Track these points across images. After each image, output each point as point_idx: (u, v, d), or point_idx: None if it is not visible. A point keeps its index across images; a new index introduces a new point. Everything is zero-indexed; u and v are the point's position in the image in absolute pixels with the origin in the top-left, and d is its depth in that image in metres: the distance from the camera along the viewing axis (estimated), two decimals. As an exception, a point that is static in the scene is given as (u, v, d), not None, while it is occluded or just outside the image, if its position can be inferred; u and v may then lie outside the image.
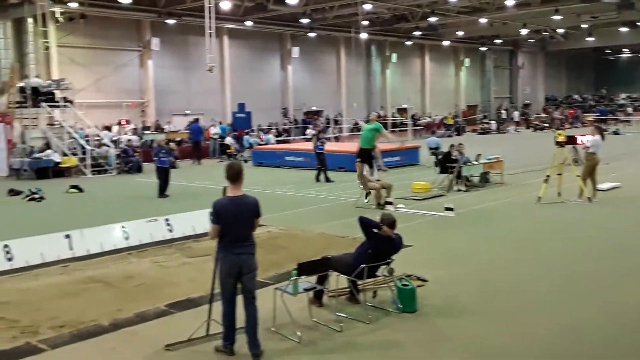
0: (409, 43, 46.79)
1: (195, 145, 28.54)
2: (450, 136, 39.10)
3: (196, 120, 30.73)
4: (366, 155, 14.00)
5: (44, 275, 8.90)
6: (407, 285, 7.28)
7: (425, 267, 8.84)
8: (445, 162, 17.27)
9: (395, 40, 46.15)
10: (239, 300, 6.07)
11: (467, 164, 17.14)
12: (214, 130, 30.88)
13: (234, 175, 6.00)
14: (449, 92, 53.70)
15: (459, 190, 16.57)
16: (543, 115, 53.11)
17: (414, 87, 50.45)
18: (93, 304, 7.52)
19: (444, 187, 16.85)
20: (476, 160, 17.74)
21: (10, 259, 9.34)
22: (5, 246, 9.43)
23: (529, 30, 44.45)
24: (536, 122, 48.56)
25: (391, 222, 7.38)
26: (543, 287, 8.16)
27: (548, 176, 14.44)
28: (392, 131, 38.40)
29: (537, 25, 43.26)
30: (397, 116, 46.02)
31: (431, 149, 22.44)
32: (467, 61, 53.37)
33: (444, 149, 20.27)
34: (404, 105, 46.70)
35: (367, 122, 17.19)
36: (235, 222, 5.88)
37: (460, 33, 45.17)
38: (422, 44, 49.50)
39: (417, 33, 42.48)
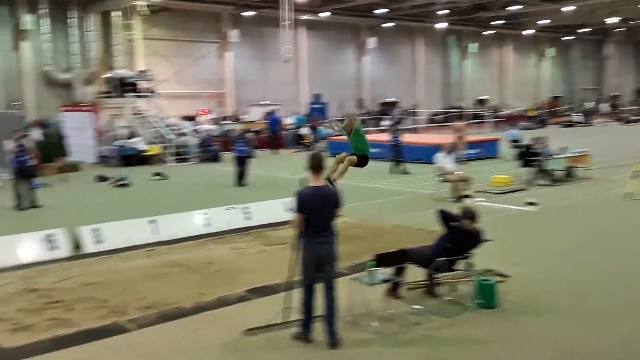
0: (488, 33, 45.56)
1: (273, 135, 28.96)
2: (532, 129, 37.82)
3: (274, 111, 31.16)
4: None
5: (131, 258, 9.30)
6: (488, 280, 7.11)
7: (505, 263, 8.60)
8: (527, 156, 16.72)
9: (474, 29, 45.04)
10: (318, 289, 6.12)
11: (550, 158, 16.53)
12: (290, 121, 31.20)
13: (317, 166, 6.07)
14: (530, 84, 51.99)
15: (542, 184, 16.02)
16: (633, 107, 50.42)
17: (493, 78, 49.15)
18: (176, 287, 7.79)
19: (525, 181, 16.33)
20: (560, 154, 17.07)
21: (99, 242, 9.82)
22: (95, 229, 9.91)
23: (617, 19, 42.25)
24: (625, 115, 46.18)
25: (472, 216, 7.23)
26: (632, 286, 7.78)
27: (637, 171, 13.72)
28: (469, 123, 37.59)
29: (627, 13, 41.05)
30: (476, 108, 44.95)
31: (512, 141, 21.79)
32: (550, 51, 51.41)
33: (526, 141, 19.61)
34: (483, 97, 45.54)
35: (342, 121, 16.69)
36: (318, 212, 5.96)
37: (543, 22, 43.46)
38: (502, 34, 48.10)
39: (498, 22, 41.28)
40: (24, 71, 28.96)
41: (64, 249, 9.49)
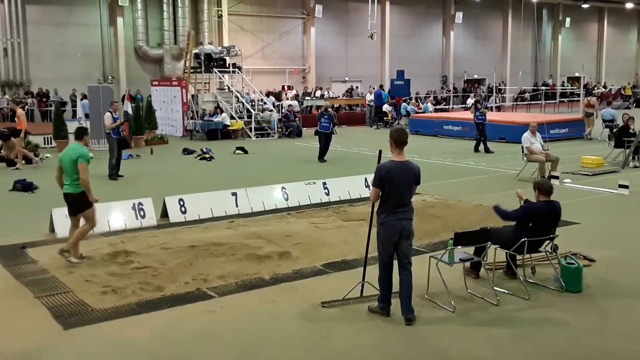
0: (585, 6, 43.24)
1: (377, 110, 29.20)
2: (628, 108, 35.76)
3: (381, 87, 31.41)
4: None
5: (213, 229, 9.58)
6: (573, 263, 6.83)
7: (592, 247, 8.24)
8: (621, 136, 15.85)
9: (569, 3, 42.85)
10: (395, 265, 6.09)
11: (646, 139, 15.57)
12: (370, 97, 31.01)
13: (403, 141, 6.01)
14: (628, 60, 49.07)
15: (636, 166, 15.16)
16: None
17: (588, 54, 46.72)
18: (255, 258, 7.96)
19: (618, 163, 15.50)
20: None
21: (184, 212, 10.18)
22: (181, 200, 10.27)
23: None
24: None
25: (546, 189, 6.94)
26: None
27: None
28: (561, 101, 36.02)
29: None
30: (568, 85, 42.91)
31: (605, 121, 20.72)
32: (652, 25, 48.21)
33: (620, 121, 18.59)
34: (576, 74, 43.44)
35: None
36: (400, 186, 5.89)
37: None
38: (600, 7, 45.55)
39: (596, -6, 39.02)
40: (119, 46, 30.26)
41: (151, 217, 9.90)
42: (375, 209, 6.13)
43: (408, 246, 6.03)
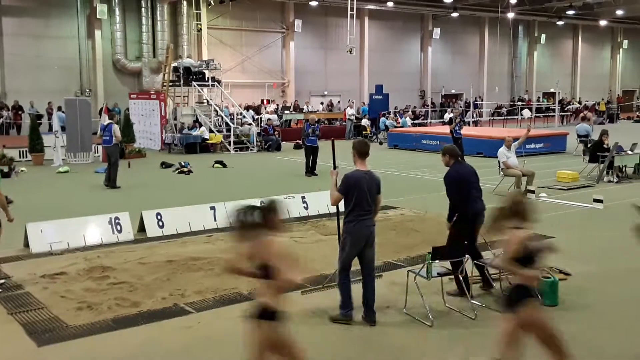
0: (560, 23, 44.06)
1: (373, 121, 29.86)
2: (602, 123, 36.41)
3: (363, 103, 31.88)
4: None
5: (191, 243, 9.52)
6: (549, 277, 6.90)
7: (568, 261, 8.32)
8: (596, 151, 16.12)
9: (544, 20, 43.70)
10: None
11: (620, 154, 15.86)
12: (350, 112, 31.18)
13: (365, 152, 6.39)
14: (602, 77, 50.05)
15: (610, 181, 15.42)
16: None
17: (563, 70, 47.57)
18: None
19: (592, 177, 15.76)
20: (631, 150, 16.37)
21: (162, 226, 10.10)
22: (158, 214, 10.19)
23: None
24: None
25: (457, 154, 7.36)
26: None
27: None
28: (537, 117, 36.58)
29: None
30: (543, 101, 43.61)
31: (580, 136, 21.08)
32: (625, 43, 49.29)
33: (595, 136, 18.92)
34: (552, 90, 44.17)
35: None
36: (366, 194, 6.15)
37: (619, 12, 41.59)
38: (575, 24, 46.50)
39: (570, 12, 39.82)
40: (96, 59, 30.07)
41: (128, 232, 9.80)
42: (343, 217, 6.33)
43: (372, 251, 6.32)
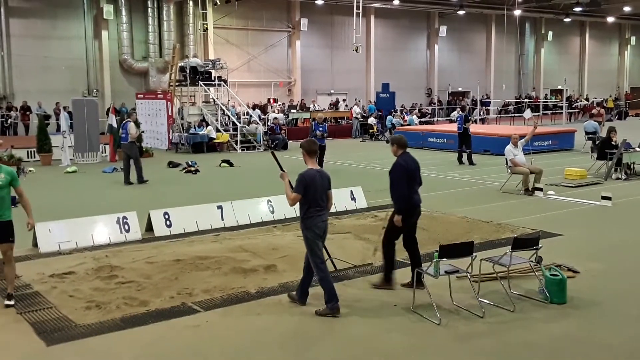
0: (567, 20, 43.85)
1: (385, 117, 29.74)
2: (610, 120, 36.22)
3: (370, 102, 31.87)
4: None
5: (198, 243, 9.54)
6: (557, 275, 6.88)
7: (576, 258, 8.31)
8: (604, 148, 16.04)
9: (551, 17, 43.49)
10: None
11: (628, 151, 15.78)
12: (357, 110, 31.15)
13: (314, 150, 6.77)
14: (610, 73, 49.79)
15: (618, 178, 15.34)
16: None
17: (570, 67, 47.35)
18: (241, 272, 7.92)
19: (600, 175, 15.69)
20: (639, 147, 16.28)
21: (169, 226, 10.12)
22: (166, 213, 10.22)
23: None
24: None
25: (404, 143, 7.39)
26: None
27: None
28: (544, 114, 36.49)
29: None
30: (551, 98, 43.43)
31: (588, 133, 20.98)
32: (633, 39, 48.98)
33: (603, 133, 18.84)
34: (559, 87, 44.02)
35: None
36: (320, 191, 6.55)
37: (627, 8, 41.31)
38: (582, 21, 46.26)
39: (577, 9, 39.61)
40: (103, 59, 30.17)
41: (136, 231, 9.84)
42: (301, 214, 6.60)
43: (323, 243, 6.74)
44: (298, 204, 6.54)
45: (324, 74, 36.83)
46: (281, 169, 6.95)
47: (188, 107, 25.71)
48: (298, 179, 6.51)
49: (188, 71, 25.43)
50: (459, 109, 32.04)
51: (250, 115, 27.07)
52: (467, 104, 36.62)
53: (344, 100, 35.92)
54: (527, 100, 40.23)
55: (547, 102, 41.45)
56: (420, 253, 8.65)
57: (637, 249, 9.17)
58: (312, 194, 6.47)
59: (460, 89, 41.91)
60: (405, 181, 7.15)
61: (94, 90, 30.20)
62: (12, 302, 6.79)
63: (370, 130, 29.00)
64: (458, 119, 19.28)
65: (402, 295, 6.92)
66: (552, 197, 13.14)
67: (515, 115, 38.15)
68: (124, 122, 16.29)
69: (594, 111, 24.96)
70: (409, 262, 7.51)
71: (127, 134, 15.61)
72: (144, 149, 22.17)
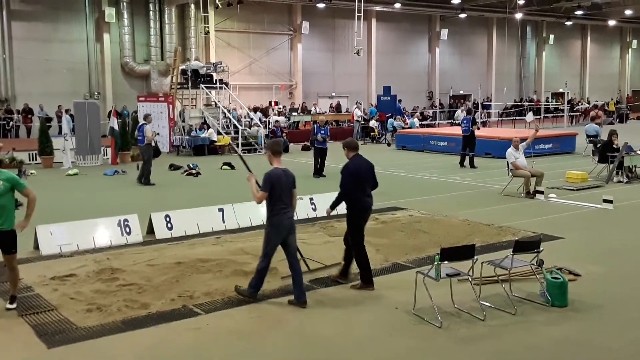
0: (568, 23, 43.89)
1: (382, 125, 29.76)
2: (611, 123, 36.22)
3: (399, 101, 31.94)
4: None
5: (199, 245, 9.54)
6: (558, 278, 6.87)
7: (577, 261, 8.31)
8: (605, 151, 16.04)
9: (553, 20, 43.52)
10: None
11: (630, 154, 15.77)
12: (358, 113, 31.17)
13: (278, 151, 7.09)
14: (611, 77, 49.79)
15: (620, 181, 15.34)
16: None
17: (572, 70, 47.36)
18: (242, 274, 7.92)
19: (602, 178, 15.68)
20: (640, 150, 16.28)
21: (170, 228, 10.13)
22: (167, 216, 10.23)
23: None
24: None
25: (355, 146, 7.67)
26: None
27: None
28: (546, 117, 36.49)
29: None
30: (552, 101, 43.42)
31: (589, 136, 20.98)
32: (634, 43, 48.99)
33: (604, 137, 18.83)
34: (560, 90, 44.01)
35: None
36: (285, 189, 6.83)
37: (628, 12, 41.35)
38: (583, 24, 46.29)
39: (579, 12, 39.64)
40: (105, 62, 30.22)
41: (137, 234, 9.84)
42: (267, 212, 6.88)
43: (294, 238, 7.00)
44: (266, 202, 6.80)
45: (326, 77, 36.86)
46: (248, 171, 7.28)
47: (189, 110, 25.73)
48: (264, 178, 6.79)
49: (189, 74, 25.46)
50: (463, 109, 32.08)
51: (252, 118, 27.09)
52: (469, 106, 36.68)
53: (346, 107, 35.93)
54: (526, 103, 40.19)
55: (549, 105, 41.43)
56: (422, 256, 8.68)
57: (638, 252, 9.16)
58: (278, 193, 6.76)
59: (461, 92, 41.92)
60: (352, 182, 7.39)
61: (96, 93, 30.24)
62: (14, 306, 6.78)
63: (372, 133, 29.00)
64: (465, 121, 19.27)
65: (403, 298, 6.91)
66: (553, 200, 13.13)
67: (517, 118, 38.15)
68: (140, 124, 16.81)
69: (592, 113, 25.06)
70: (411, 266, 7.49)
71: (144, 136, 16.00)
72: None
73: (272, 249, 6.90)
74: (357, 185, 7.39)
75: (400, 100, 32.70)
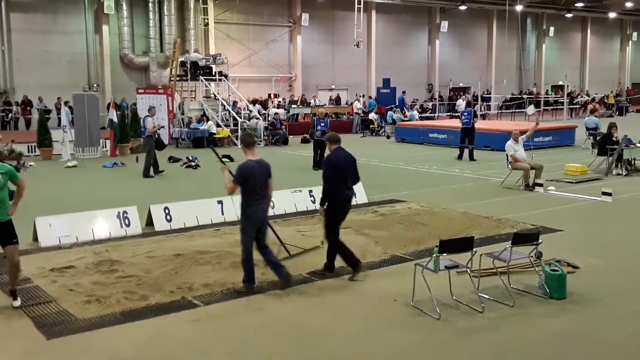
0: (569, 16, 43.78)
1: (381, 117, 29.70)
2: (611, 116, 36.18)
3: (403, 92, 31.91)
4: None
5: (198, 237, 9.54)
6: (557, 270, 6.88)
7: (576, 254, 8.31)
8: (605, 144, 16.03)
9: (553, 12, 43.42)
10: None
11: (629, 147, 15.76)
12: (358, 105, 31.12)
13: (251, 142, 7.22)
14: (611, 69, 49.70)
15: (619, 174, 15.33)
16: None
17: (572, 63, 47.26)
18: (241, 266, 7.92)
19: (601, 170, 15.68)
20: (640, 143, 16.28)
21: (169, 220, 10.13)
22: (166, 208, 10.23)
23: None
24: None
25: (337, 139, 7.74)
26: None
27: None
28: (545, 110, 36.44)
29: None
30: (551, 94, 43.36)
31: (589, 129, 20.96)
32: (634, 35, 48.87)
33: (603, 129, 18.81)
34: (560, 83, 43.93)
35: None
36: (259, 180, 6.91)
37: (628, 4, 41.20)
38: (583, 17, 46.17)
39: (579, 5, 39.51)
40: (104, 54, 30.14)
41: (136, 226, 9.84)
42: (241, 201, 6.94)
43: (266, 227, 7.14)
44: (240, 193, 6.88)
45: (325, 70, 36.78)
46: (222, 163, 7.51)
47: (189, 102, 25.68)
48: (237, 170, 6.88)
49: (189, 66, 25.38)
50: (464, 99, 32.05)
51: (251, 111, 27.04)
52: (466, 99, 36.64)
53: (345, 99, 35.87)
54: (526, 96, 40.14)
55: (548, 97, 41.38)
56: (421, 248, 8.69)
57: (637, 245, 9.17)
58: (252, 184, 6.84)
59: (461, 85, 41.85)
60: (334, 175, 7.46)
61: (95, 85, 30.18)
62: (19, 302, 6.63)
63: (371, 126, 28.97)
64: (465, 114, 19.24)
65: (401, 290, 6.92)
66: (552, 192, 13.13)
67: (516, 111, 38.13)
68: (144, 117, 17.07)
69: (590, 106, 25.14)
70: (410, 258, 7.49)
71: (146, 128, 16.18)
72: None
73: (249, 240, 6.95)
74: (338, 177, 7.47)
75: (404, 92, 32.63)
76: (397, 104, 30.82)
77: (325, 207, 7.54)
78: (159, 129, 16.79)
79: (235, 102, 27.91)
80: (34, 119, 26.34)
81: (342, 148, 7.69)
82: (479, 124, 22.87)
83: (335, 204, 7.52)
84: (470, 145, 18.72)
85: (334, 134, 7.99)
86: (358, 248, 8.75)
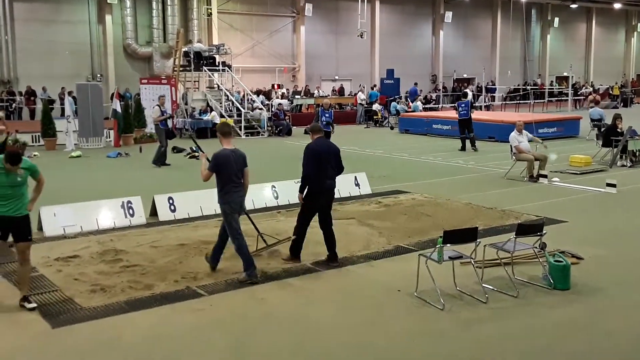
0: (573, 6, 43.52)
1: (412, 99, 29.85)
2: (615, 107, 36.03)
3: (415, 84, 32.18)
4: None
5: (202, 227, 9.56)
6: (561, 261, 6.88)
7: (580, 245, 8.31)
8: (609, 135, 15.97)
9: (558, 3, 43.19)
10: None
11: (634, 138, 15.71)
12: (362, 96, 31.05)
13: (227, 132, 7.33)
14: (616, 60, 49.44)
15: (623, 165, 15.30)
16: None
17: (576, 54, 47.02)
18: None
19: (605, 162, 15.63)
20: (645, 134, 16.21)
21: (173, 210, 10.14)
22: (170, 198, 10.24)
23: None
24: None
25: (319, 129, 8.11)
26: None
27: None
28: (550, 101, 36.30)
29: None
30: (556, 85, 43.19)
31: (593, 120, 20.89)
32: (639, 26, 48.59)
33: (608, 121, 18.75)
34: (565, 74, 43.73)
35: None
36: (235, 169, 7.04)
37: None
38: (588, 7, 45.89)
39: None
40: (107, 44, 30.10)
41: (140, 216, 9.86)
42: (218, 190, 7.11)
43: (238, 217, 7.16)
44: (216, 181, 7.04)
45: (329, 60, 36.67)
46: (200, 151, 7.88)
47: (192, 93, 25.65)
48: (212, 158, 7.06)
49: (192, 56, 25.34)
50: (470, 89, 31.98)
51: (254, 101, 27.00)
52: (472, 90, 36.51)
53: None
54: (529, 87, 39.98)
55: (553, 89, 41.22)
56: (425, 239, 8.68)
57: (641, 236, 9.16)
58: (227, 173, 6.99)
59: (465, 76, 41.70)
60: (312, 163, 7.56)
61: (98, 75, 30.17)
62: (34, 305, 6.33)
63: (375, 117, 28.92)
64: (462, 105, 19.20)
65: (405, 281, 6.93)
66: (556, 184, 13.10)
67: (521, 102, 38.01)
68: (154, 105, 17.16)
69: (590, 97, 25.11)
70: (414, 248, 7.48)
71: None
72: (149, 134, 22.18)
73: (235, 226, 7.03)
74: (318, 165, 7.54)
75: (416, 84, 32.56)
76: (409, 94, 30.81)
77: (304, 194, 7.63)
78: (168, 118, 16.80)
79: (239, 93, 27.85)
80: (37, 109, 26.34)
81: (323, 137, 7.91)
82: (483, 115, 22.82)
83: (313, 193, 7.59)
84: (470, 134, 18.72)
85: (315, 125, 8.29)
86: (362, 238, 8.79)
